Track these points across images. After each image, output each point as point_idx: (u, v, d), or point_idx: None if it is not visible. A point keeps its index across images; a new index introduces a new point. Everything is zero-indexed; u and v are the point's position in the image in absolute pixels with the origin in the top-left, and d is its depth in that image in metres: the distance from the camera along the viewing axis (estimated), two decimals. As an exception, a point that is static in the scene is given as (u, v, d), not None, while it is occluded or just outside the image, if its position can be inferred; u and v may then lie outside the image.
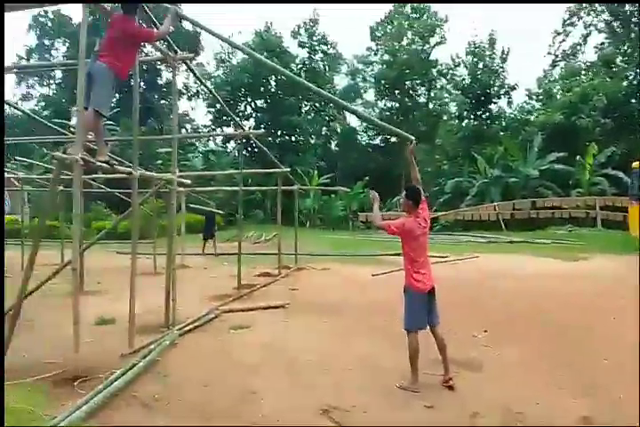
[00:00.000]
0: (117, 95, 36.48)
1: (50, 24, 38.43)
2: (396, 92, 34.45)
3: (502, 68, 30.63)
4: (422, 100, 35.71)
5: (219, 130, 30.25)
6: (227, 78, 28.69)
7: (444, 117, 35.43)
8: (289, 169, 11.52)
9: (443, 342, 4.33)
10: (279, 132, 30.72)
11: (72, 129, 12.78)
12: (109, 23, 4.84)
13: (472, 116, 31.40)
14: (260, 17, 67.61)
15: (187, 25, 38.92)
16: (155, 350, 5.08)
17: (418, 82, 34.21)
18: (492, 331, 6.10)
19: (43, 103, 39.11)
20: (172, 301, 6.34)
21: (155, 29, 5.08)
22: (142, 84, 33.60)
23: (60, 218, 11.97)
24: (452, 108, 34.96)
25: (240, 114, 31.07)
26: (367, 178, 29.13)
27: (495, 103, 31.51)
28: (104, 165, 4.61)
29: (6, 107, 37.27)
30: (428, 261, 4.40)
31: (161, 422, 3.63)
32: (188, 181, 7.16)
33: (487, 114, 31.34)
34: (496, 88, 30.67)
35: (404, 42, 34.57)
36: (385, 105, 37.04)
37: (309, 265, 12.78)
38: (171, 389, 4.26)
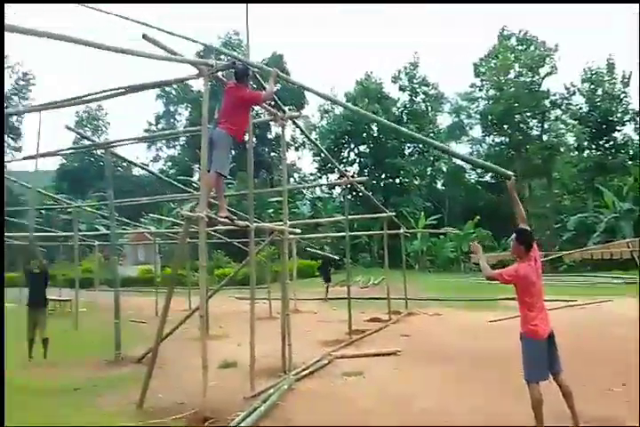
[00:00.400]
0: (233, 151, 39.96)
1: (174, 92, 43.60)
2: (505, 126, 33.45)
3: (625, 92, 28.61)
4: (535, 132, 34.19)
5: (324, 177, 31.59)
6: (330, 127, 30.15)
7: (561, 149, 33.42)
8: (394, 213, 11.59)
9: (568, 389, 4.00)
10: (383, 175, 31.19)
11: (195, 185, 14.23)
12: (225, 92, 5.50)
13: (593, 146, 29.32)
14: (361, 67, 70.71)
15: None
16: (274, 395, 5.28)
17: (528, 114, 32.94)
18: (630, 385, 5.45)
19: (169, 163, 43.82)
20: (288, 346, 6.58)
21: (262, 92, 5.62)
22: (254, 138, 36.48)
23: (187, 267, 13.10)
24: (570, 139, 33.05)
25: (344, 160, 32.18)
26: (478, 217, 28.03)
27: (619, 131, 29.24)
28: (225, 220, 5.11)
29: (137, 169, 42.23)
30: (544, 305, 4.16)
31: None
32: (299, 230, 7.56)
33: (611, 143, 29.12)
34: (619, 114, 28.56)
35: (511, 75, 33.82)
36: (493, 140, 36.04)
37: (420, 310, 12.49)
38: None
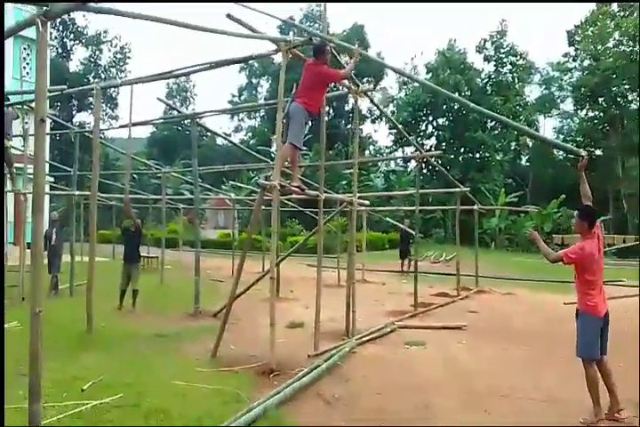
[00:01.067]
0: (310, 123, 40.23)
1: (256, 65, 44.36)
2: (600, 99, 30.81)
3: None
4: (634, 106, 31.22)
5: (400, 150, 31.11)
6: (408, 99, 29.37)
7: (666, 126, 30.23)
8: (468, 189, 11.32)
9: (608, 369, 3.96)
10: (462, 150, 30.10)
11: (272, 155, 14.72)
12: (304, 68, 5.66)
13: None
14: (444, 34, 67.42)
15: (371, 52, 41.13)
16: (336, 355, 5.60)
17: (627, 87, 30.05)
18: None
19: (250, 134, 45.11)
20: (352, 312, 6.87)
21: (341, 71, 5.73)
22: (331, 110, 36.52)
23: (262, 233, 13.70)
24: (676, 113, 29.70)
25: (421, 133, 31.38)
26: (563, 196, 26.35)
27: None
28: (297, 189, 5.38)
29: (220, 139, 44.02)
30: (603, 284, 4.09)
31: (337, 419, 4.03)
32: (367, 202, 7.69)
33: None
34: None
35: (610, 44, 30.85)
36: (586, 115, 33.35)
37: (492, 289, 12.27)
38: (349, 391, 4.66)
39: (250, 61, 43.23)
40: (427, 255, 22.43)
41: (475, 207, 12.63)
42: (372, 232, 26.12)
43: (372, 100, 8.01)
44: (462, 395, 4.67)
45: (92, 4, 3.49)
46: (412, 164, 31.49)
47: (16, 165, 9.45)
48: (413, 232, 15.47)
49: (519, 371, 5.48)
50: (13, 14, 15.07)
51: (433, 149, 31.60)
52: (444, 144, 30.96)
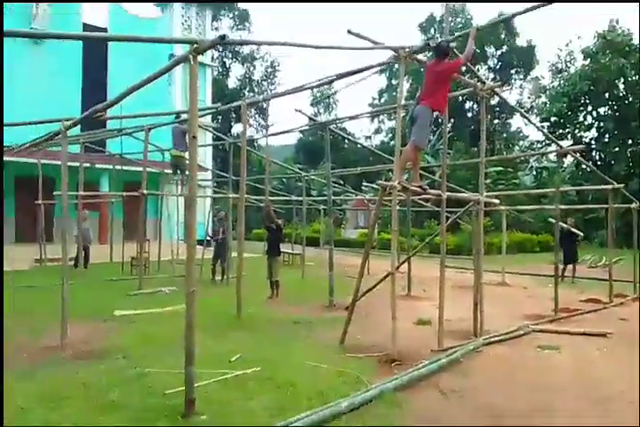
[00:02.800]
0: (452, 120, 39.06)
1: (397, 66, 44.55)
2: None
3: None
4: None
5: (554, 145, 28.40)
6: (563, 89, 26.86)
7: None
8: (622, 185, 10.18)
9: None
10: (629, 141, 26.57)
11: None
12: (425, 71, 5.86)
13: None
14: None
15: (521, 41, 38.55)
16: (458, 352, 5.69)
17: None
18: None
19: (390, 135, 45.45)
20: (480, 312, 6.82)
21: (460, 56, 5.78)
22: (474, 105, 35.08)
23: (405, 233, 13.72)
24: None
25: (579, 125, 28.46)
26: None
27: None
28: (417, 189, 5.61)
29: (362, 141, 45.18)
30: None
31: (451, 409, 4.19)
32: (497, 201, 7.50)
33: None
34: None
35: None
36: None
37: (655, 297, 10.88)
38: (467, 386, 4.75)
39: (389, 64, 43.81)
40: (583, 259, 20.41)
41: (633, 206, 11.31)
42: (519, 233, 24.59)
43: (502, 98, 7.75)
44: (587, 399, 4.48)
45: (229, 39, 4.19)
46: (569, 159, 28.83)
47: (187, 172, 11.16)
48: (580, 233, 13.95)
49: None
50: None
51: (593, 141, 28.50)
52: (606, 136, 27.68)
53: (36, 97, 17.53)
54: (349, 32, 4.87)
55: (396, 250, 5.57)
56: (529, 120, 24.11)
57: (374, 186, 18.00)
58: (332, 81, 5.89)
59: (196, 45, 3.79)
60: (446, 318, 7.18)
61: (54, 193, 14.16)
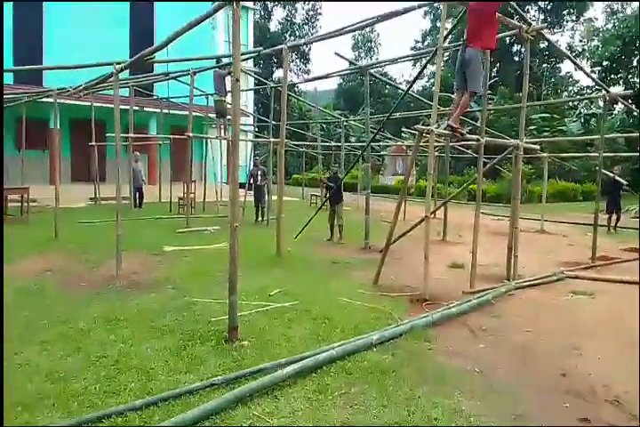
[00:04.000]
0: (498, 64, 36.90)
1: (442, 7, 41.83)
2: None
3: None
4: None
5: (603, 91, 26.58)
6: (617, 31, 24.60)
7: None
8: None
9: None
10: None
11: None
12: (468, 12, 5.58)
13: None
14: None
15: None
16: (490, 294, 5.83)
17: None
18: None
19: (432, 80, 43.50)
20: (514, 257, 6.88)
21: None
22: (522, 48, 32.84)
23: (445, 180, 13.58)
24: None
25: (632, 70, 26.34)
26: None
27: None
28: (456, 133, 5.53)
29: (405, 86, 43.58)
30: None
31: (481, 348, 4.37)
32: (537, 147, 7.28)
33: None
34: None
35: None
36: None
37: None
38: (497, 326, 4.92)
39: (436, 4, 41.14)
40: (628, 209, 19.73)
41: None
42: (563, 182, 23.79)
43: (548, 40, 7.24)
44: (618, 344, 4.55)
45: None
46: (620, 106, 26.99)
47: (228, 117, 11.27)
48: (624, 182, 13.35)
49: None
50: None
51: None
52: (660, 82, 25.66)
53: (86, 44, 17.75)
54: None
55: (430, 194, 5.59)
56: (575, 63, 22.56)
57: (413, 131, 17.63)
58: (372, 23, 5.71)
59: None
60: (481, 262, 7.30)
61: (107, 135, 14.72)
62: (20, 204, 11.53)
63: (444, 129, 5.48)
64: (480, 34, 5.52)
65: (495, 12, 5.56)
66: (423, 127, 5.33)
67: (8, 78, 16.46)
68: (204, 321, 4.60)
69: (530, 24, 6.16)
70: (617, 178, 13.53)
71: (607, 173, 14.28)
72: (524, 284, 6.59)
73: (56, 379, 3.39)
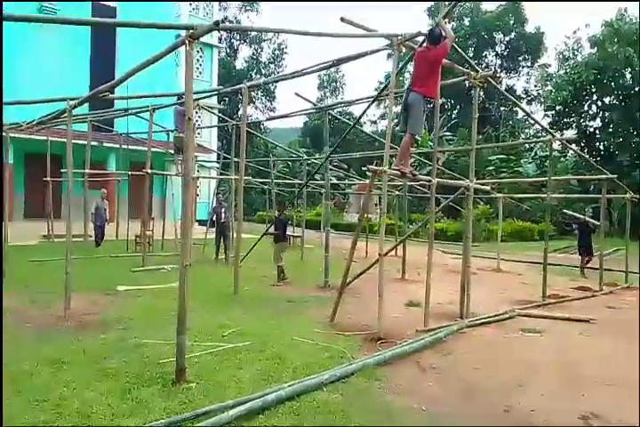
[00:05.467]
0: (458, 107, 38.75)
1: (404, 50, 44.10)
2: None
3: None
4: None
5: (558, 133, 28.34)
6: (569, 77, 26.58)
7: None
8: (615, 176, 10.24)
9: None
10: (634, 132, 26.39)
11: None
12: (415, 57, 5.96)
13: None
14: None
15: (529, 28, 38.02)
16: (442, 332, 5.94)
17: None
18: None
19: (396, 120, 45.22)
20: (467, 295, 7.06)
21: (445, 41, 5.83)
22: (481, 92, 34.82)
23: (403, 218, 13.88)
24: None
25: (584, 114, 28.26)
26: None
27: None
28: (407, 174, 5.79)
29: (367, 126, 45.01)
30: None
31: (429, 385, 4.43)
32: (487, 188, 7.66)
33: None
34: None
35: None
36: None
37: (645, 286, 11.07)
38: (447, 364, 5.02)
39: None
40: (609, 252, 20.58)
41: (626, 196, 11.41)
42: (520, 222, 24.74)
43: (497, 87, 7.78)
44: (563, 379, 4.70)
45: (224, 25, 4.34)
46: (574, 148, 28.70)
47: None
48: (596, 222, 13.09)
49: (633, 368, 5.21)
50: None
51: (598, 131, 28.30)
52: (610, 126, 27.48)
53: (45, 75, 17.80)
54: (342, 20, 4.97)
55: (384, 233, 5.75)
56: (520, 108, 23.81)
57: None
58: (329, 66, 6.03)
59: (192, 31, 3.94)
60: (436, 300, 7.47)
61: (62, 170, 14.48)
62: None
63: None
64: (423, 81, 5.88)
65: (439, 62, 5.94)
66: (376, 168, 5.55)
67: (-43, 111, 16.12)
68: (152, 363, 4.50)
69: (477, 71, 6.58)
70: (588, 219, 13.73)
71: (577, 215, 14.56)
72: (477, 322, 6.75)
73: (-11, 426, 3.23)
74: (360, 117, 7.81)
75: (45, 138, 14.94)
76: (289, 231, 11.73)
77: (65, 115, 7.18)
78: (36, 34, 18.14)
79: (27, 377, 4.09)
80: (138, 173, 12.53)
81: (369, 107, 7.36)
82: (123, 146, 16.82)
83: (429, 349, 5.45)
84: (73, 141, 6.68)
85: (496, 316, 7.14)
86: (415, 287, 9.39)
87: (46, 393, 3.76)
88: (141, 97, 9.47)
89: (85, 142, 13.43)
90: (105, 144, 18.01)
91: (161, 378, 4.13)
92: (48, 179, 14.53)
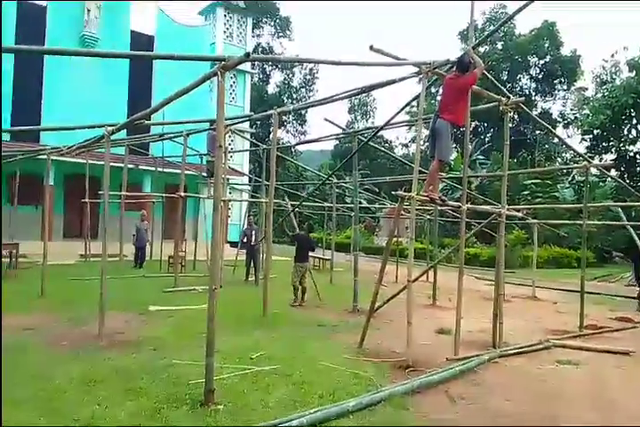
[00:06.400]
0: (492, 130, 38.43)
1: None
2: None
3: None
4: None
5: (597, 157, 27.72)
6: (607, 101, 26.11)
7: None
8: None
9: None
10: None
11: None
12: (444, 84, 6.02)
13: None
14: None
15: (565, 51, 37.73)
16: (473, 361, 5.80)
17: None
18: None
19: (427, 143, 45.18)
20: (500, 324, 6.89)
21: (474, 70, 5.86)
22: (515, 115, 34.54)
23: (434, 243, 13.78)
24: None
25: (623, 138, 27.61)
26: None
27: None
28: (436, 199, 5.78)
29: (398, 149, 45.06)
30: None
31: (457, 416, 4.33)
32: (519, 214, 7.54)
33: None
34: None
35: None
36: None
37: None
38: (477, 394, 4.88)
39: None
40: (622, 277, 19.85)
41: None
42: (556, 248, 24.04)
43: (529, 113, 7.71)
44: (598, 414, 4.51)
45: (254, 56, 4.54)
46: (613, 173, 27.95)
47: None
48: None
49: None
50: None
51: (638, 155, 27.56)
52: (651, 150, 26.79)
53: (85, 101, 18.62)
54: (371, 48, 5.08)
55: (412, 259, 5.72)
56: (554, 134, 23.44)
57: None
58: (358, 93, 6.16)
59: (223, 62, 4.14)
60: (468, 328, 7.31)
61: (99, 192, 15.01)
62: (8, 259, 11.56)
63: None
64: (450, 107, 5.91)
65: (467, 90, 5.97)
66: (403, 193, 5.57)
67: (6, 135, 17.02)
68: (181, 383, 4.56)
69: (509, 97, 6.57)
70: None
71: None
72: (510, 351, 6.56)
73: (24, 442, 3.33)
74: (374, 135, 7.75)
75: (84, 161, 15.57)
76: (317, 253, 11.75)
77: (104, 140, 7.52)
78: (78, 63, 19.13)
79: (60, 395, 4.20)
80: (172, 195, 12.91)
81: (392, 119, 7.24)
82: (158, 169, 17.37)
83: (459, 378, 5.32)
84: (110, 164, 6.97)
85: (530, 346, 6.92)
86: (446, 314, 9.20)
87: (78, 411, 3.86)
88: (175, 123, 9.82)
89: (122, 165, 13.97)
90: (141, 167, 18.65)
91: (190, 399, 4.18)
92: (86, 200, 15.08)
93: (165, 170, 17.62)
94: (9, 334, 6.22)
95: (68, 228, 18.99)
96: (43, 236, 10.01)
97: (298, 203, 12.84)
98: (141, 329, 6.83)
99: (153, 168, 17.67)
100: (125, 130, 13.48)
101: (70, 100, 18.66)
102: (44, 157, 10.49)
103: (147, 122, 8.79)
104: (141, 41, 20.92)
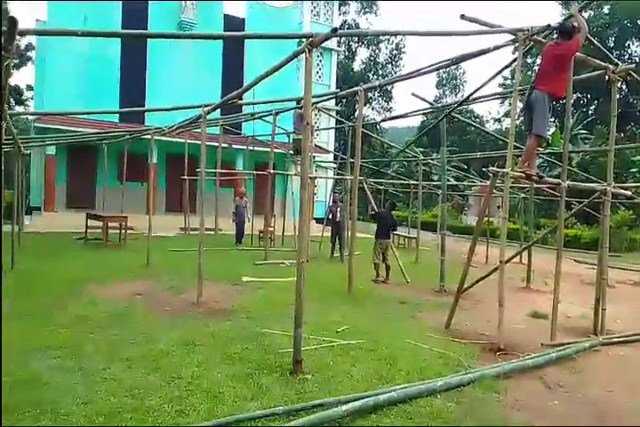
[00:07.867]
0: (595, 102, 35.08)
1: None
2: None
3: None
4: None
5: None
6: None
7: None
8: None
9: None
10: None
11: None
12: (543, 53, 5.52)
13: None
14: None
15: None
16: (571, 348, 5.45)
17: None
18: None
19: (522, 118, 42.23)
20: (602, 310, 6.41)
21: (577, 35, 5.30)
22: (624, 86, 31.13)
23: (529, 223, 13.00)
24: None
25: None
26: None
27: None
28: (533, 176, 5.40)
29: (490, 124, 42.58)
30: None
31: (554, 404, 4.10)
32: (628, 193, 6.82)
33: None
34: None
35: None
36: None
37: None
38: (576, 383, 4.59)
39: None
40: None
41: None
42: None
43: (638, 81, 6.79)
44: None
45: (341, 31, 4.44)
46: None
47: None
48: None
49: None
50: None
51: None
52: None
53: (184, 84, 19.79)
54: (463, 17, 4.77)
55: (505, 239, 5.44)
56: None
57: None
58: (448, 65, 5.85)
59: (311, 39, 4.11)
60: (567, 314, 6.91)
61: (197, 170, 15.93)
62: (118, 231, 12.68)
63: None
64: (549, 78, 5.40)
65: (569, 58, 5.43)
66: (497, 169, 5.27)
67: (114, 116, 18.71)
68: (271, 351, 4.77)
69: (617, 64, 5.91)
70: None
71: None
72: (614, 340, 6.10)
73: (135, 395, 3.68)
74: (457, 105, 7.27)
75: (183, 140, 16.61)
76: (403, 231, 11.59)
77: (200, 120, 7.89)
78: (177, 48, 20.14)
79: (164, 356, 4.57)
80: (261, 172, 13.35)
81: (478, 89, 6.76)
82: (249, 147, 18.00)
83: (556, 365, 5.04)
84: (207, 143, 7.38)
85: (636, 335, 6.39)
86: (541, 298, 8.74)
87: (180, 371, 4.18)
88: (265, 102, 10.02)
89: (217, 144, 14.63)
90: (234, 146, 19.42)
91: (279, 367, 4.36)
92: (185, 177, 16.05)
93: (256, 148, 18.23)
94: (125, 298, 6.93)
95: (169, 203, 20.42)
96: (147, 210, 10.84)
97: (381, 181, 12.63)
98: (235, 299, 7.21)
99: (244, 147, 18.33)
100: (220, 110, 14.07)
101: (171, 83, 19.91)
102: (149, 136, 11.28)
103: (239, 101, 9.06)
104: (234, 23, 21.53)
